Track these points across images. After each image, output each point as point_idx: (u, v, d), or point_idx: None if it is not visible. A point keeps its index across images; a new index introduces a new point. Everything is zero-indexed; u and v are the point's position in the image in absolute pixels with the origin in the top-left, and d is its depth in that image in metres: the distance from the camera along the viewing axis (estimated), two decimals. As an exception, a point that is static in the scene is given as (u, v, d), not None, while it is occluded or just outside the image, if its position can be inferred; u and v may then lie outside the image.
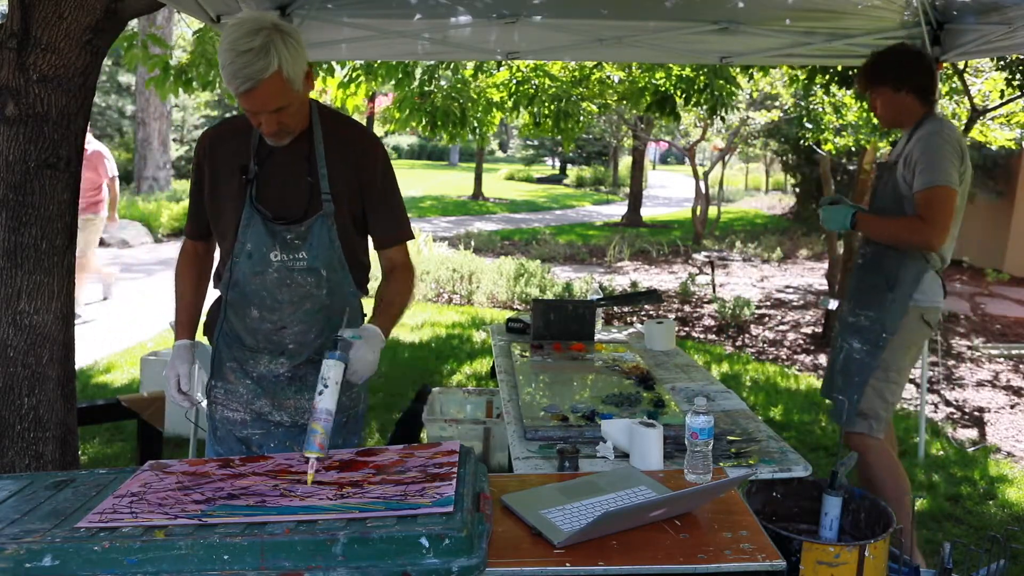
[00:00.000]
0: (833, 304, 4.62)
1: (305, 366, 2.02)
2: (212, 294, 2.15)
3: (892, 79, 2.76)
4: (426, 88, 6.50)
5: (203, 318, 2.15)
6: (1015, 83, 5.71)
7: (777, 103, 10.63)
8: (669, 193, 25.37)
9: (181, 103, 20.83)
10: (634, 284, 9.10)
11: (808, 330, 7.19)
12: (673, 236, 13.98)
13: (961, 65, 6.00)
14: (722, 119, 7.53)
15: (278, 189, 1.96)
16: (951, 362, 6.12)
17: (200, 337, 2.15)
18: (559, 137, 7.16)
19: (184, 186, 17.48)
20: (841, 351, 2.87)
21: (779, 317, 7.76)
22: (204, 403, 2.18)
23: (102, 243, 11.62)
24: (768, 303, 8.41)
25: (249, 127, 1.95)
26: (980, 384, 5.58)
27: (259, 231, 1.94)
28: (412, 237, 2.12)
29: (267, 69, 1.75)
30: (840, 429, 2.80)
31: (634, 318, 7.34)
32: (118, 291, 7.84)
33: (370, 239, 2.12)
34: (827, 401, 3.22)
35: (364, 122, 15.18)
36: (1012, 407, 5.08)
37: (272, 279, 1.97)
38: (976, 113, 6.09)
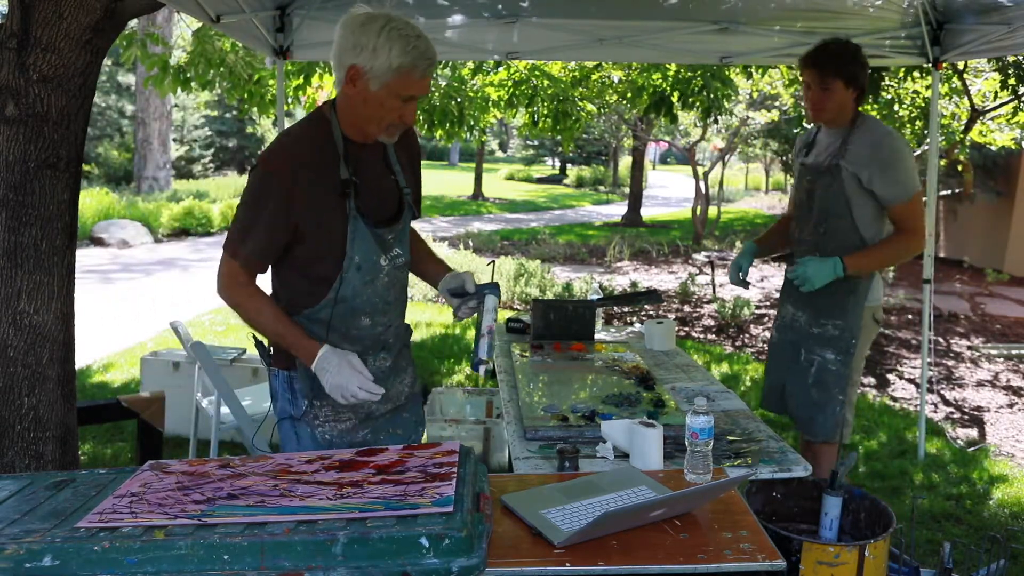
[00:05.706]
0: None
1: (398, 352, 2.09)
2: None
3: (848, 74, 2.65)
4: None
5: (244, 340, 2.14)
6: (1010, 84, 5.71)
7: (777, 103, 10.63)
8: (669, 193, 25.37)
9: (181, 103, 20.82)
10: (634, 284, 9.10)
11: (808, 330, 7.19)
12: (673, 236, 13.99)
13: (961, 65, 6.00)
14: (715, 121, 7.52)
15: (374, 193, 1.93)
16: (951, 362, 6.12)
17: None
18: (558, 137, 7.16)
19: (185, 186, 17.45)
20: (812, 364, 2.78)
21: (779, 317, 7.75)
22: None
23: (102, 243, 11.64)
24: (768, 303, 8.41)
25: (324, 139, 1.87)
26: (980, 384, 5.58)
27: (365, 239, 1.89)
28: None
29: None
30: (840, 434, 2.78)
31: (634, 318, 7.34)
32: (118, 291, 7.85)
33: None
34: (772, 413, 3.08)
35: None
36: (1012, 407, 5.08)
37: (383, 283, 1.96)
38: (976, 113, 6.09)
